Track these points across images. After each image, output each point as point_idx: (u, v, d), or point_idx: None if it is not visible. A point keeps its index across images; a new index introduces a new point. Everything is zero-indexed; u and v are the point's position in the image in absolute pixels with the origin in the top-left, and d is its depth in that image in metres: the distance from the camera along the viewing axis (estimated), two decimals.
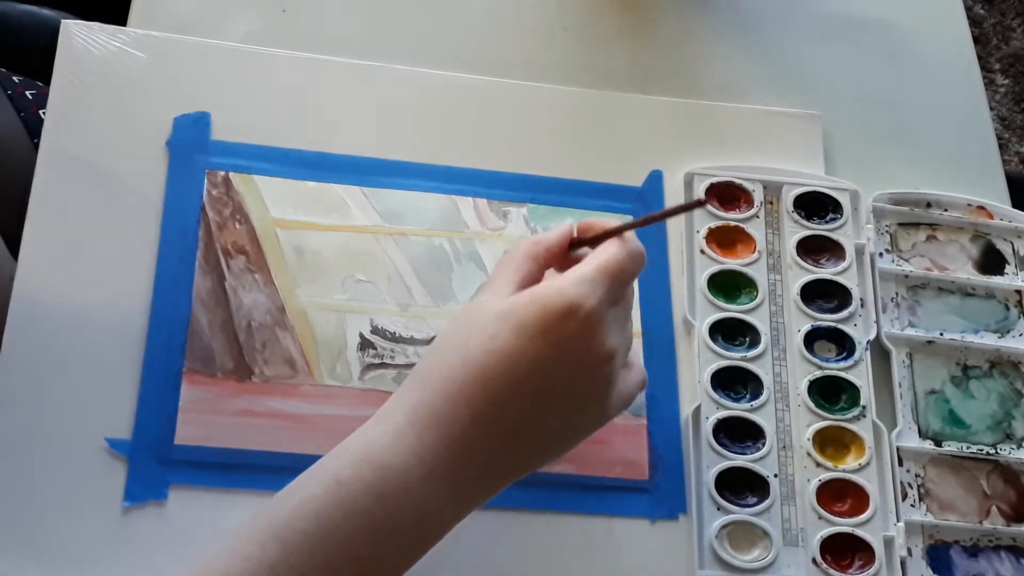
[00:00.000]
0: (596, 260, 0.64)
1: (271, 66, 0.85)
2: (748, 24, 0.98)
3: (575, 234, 0.68)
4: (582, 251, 0.68)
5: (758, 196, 0.87)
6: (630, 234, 0.66)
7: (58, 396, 0.73)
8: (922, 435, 0.82)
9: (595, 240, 0.67)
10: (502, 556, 0.74)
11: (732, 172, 0.87)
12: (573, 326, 0.61)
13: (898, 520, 0.78)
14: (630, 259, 0.65)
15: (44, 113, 0.94)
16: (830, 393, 0.81)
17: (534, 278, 0.66)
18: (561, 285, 0.62)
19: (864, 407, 0.81)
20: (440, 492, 0.61)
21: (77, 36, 0.83)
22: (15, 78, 1.05)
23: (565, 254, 0.68)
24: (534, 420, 0.62)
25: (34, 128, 1.00)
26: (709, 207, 0.85)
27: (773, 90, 0.95)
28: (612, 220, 0.67)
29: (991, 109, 1.69)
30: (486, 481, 0.63)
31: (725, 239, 0.85)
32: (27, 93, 1.03)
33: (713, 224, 0.85)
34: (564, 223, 0.69)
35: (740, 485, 0.78)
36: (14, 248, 0.78)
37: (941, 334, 0.85)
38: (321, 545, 0.58)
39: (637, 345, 0.75)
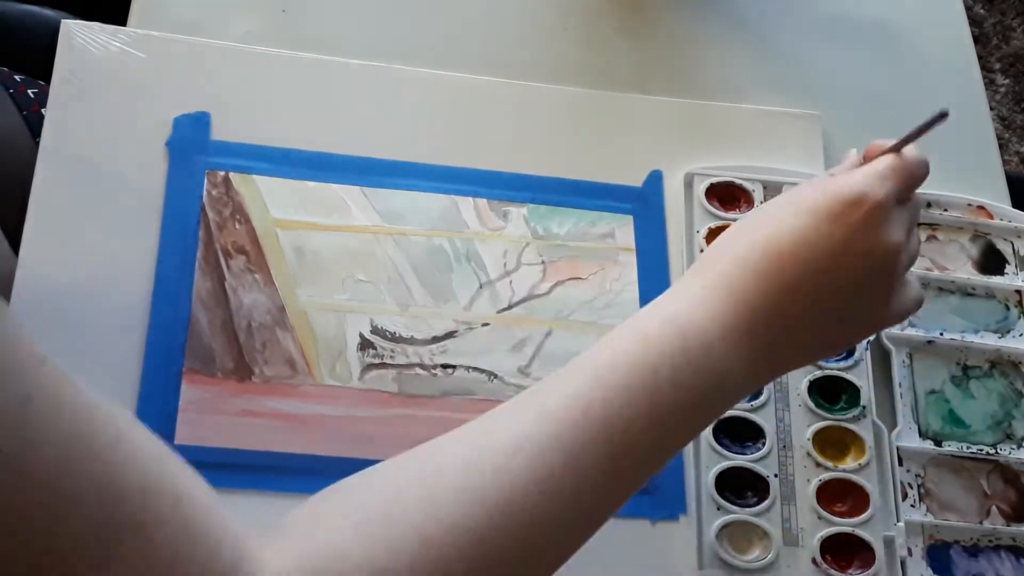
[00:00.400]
0: (889, 158, 0.66)
1: (271, 66, 0.85)
2: (748, 24, 0.98)
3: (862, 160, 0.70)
4: None
5: (758, 196, 0.87)
6: (915, 145, 0.68)
7: None
8: (922, 435, 0.82)
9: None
10: None
11: (732, 172, 0.87)
12: (861, 213, 0.63)
13: (898, 520, 0.78)
14: (917, 163, 0.67)
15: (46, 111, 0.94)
16: (830, 393, 0.82)
17: None
18: (852, 176, 0.64)
19: (864, 407, 0.81)
20: (735, 356, 0.62)
21: (77, 36, 0.82)
22: (17, 77, 1.05)
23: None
24: (821, 298, 0.63)
25: (36, 127, 1.00)
26: (709, 207, 0.85)
27: (773, 90, 0.95)
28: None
29: (991, 109, 1.69)
30: (777, 353, 0.64)
31: None
32: (29, 92, 1.03)
33: (713, 224, 0.85)
34: (850, 152, 0.70)
35: (740, 485, 0.78)
36: (15, 246, 0.78)
37: (941, 334, 0.85)
38: (631, 390, 0.59)
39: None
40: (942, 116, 0.67)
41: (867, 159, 0.68)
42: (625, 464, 0.59)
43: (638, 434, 0.59)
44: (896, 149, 0.67)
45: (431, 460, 0.57)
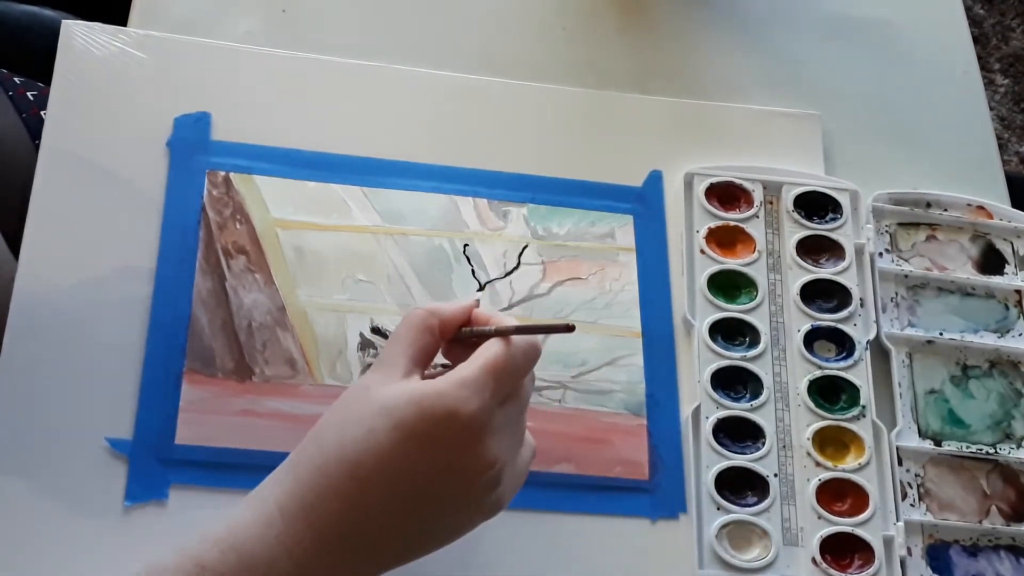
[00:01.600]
0: (480, 360, 0.61)
1: (272, 66, 0.85)
2: (748, 24, 0.98)
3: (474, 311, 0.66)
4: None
5: (758, 196, 0.87)
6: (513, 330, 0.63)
7: (59, 396, 0.73)
8: (922, 435, 0.82)
9: (481, 337, 0.64)
10: (502, 556, 0.74)
11: (732, 172, 0.87)
12: (452, 433, 0.59)
13: (898, 520, 0.78)
14: (519, 356, 0.62)
15: (45, 114, 0.94)
16: (830, 393, 0.82)
17: (430, 351, 0.64)
18: (443, 388, 0.59)
19: (864, 407, 0.81)
20: None
21: (78, 36, 0.83)
22: (16, 79, 1.05)
23: (459, 327, 0.66)
24: (407, 520, 0.61)
25: (35, 129, 1.00)
26: (709, 207, 0.86)
27: (773, 90, 0.95)
28: (506, 319, 0.64)
29: (991, 109, 1.69)
30: (358, 574, 0.62)
31: (725, 239, 0.85)
32: (28, 94, 1.03)
33: (713, 224, 0.85)
34: (468, 299, 0.67)
35: (740, 485, 0.78)
36: (15, 248, 0.78)
37: (941, 334, 0.85)
38: None
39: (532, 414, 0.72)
40: (568, 328, 0.62)
41: (473, 322, 0.65)
42: None
43: None
44: (497, 334, 0.62)
45: None
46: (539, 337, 0.64)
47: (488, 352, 0.61)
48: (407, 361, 0.63)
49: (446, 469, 0.60)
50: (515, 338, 0.62)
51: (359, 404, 0.61)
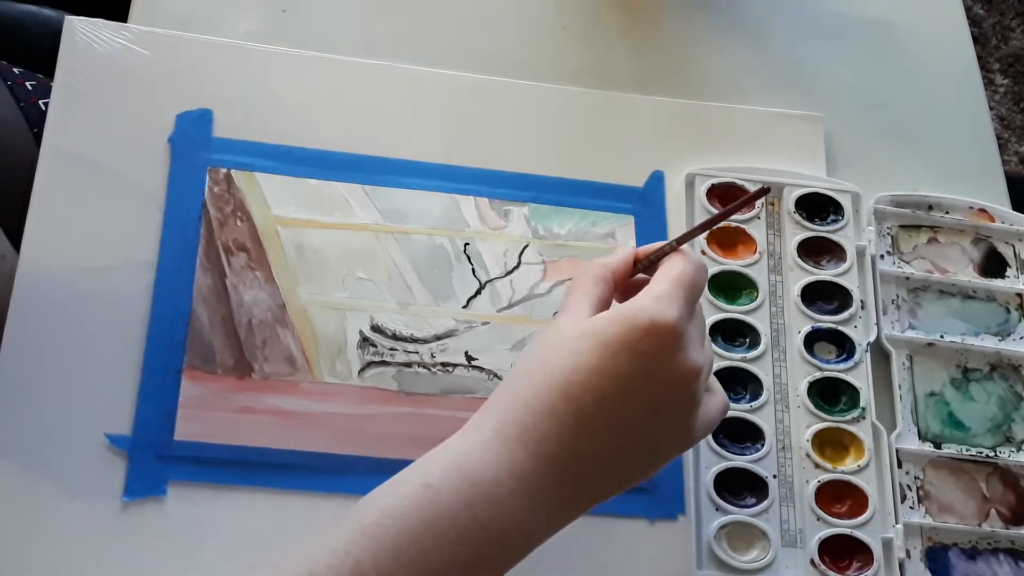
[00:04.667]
0: (669, 275, 0.63)
1: (274, 64, 0.85)
2: (749, 24, 0.98)
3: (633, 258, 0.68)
4: (640, 277, 0.68)
5: None
6: (690, 247, 0.66)
7: (58, 392, 0.73)
8: (921, 437, 0.82)
9: (655, 258, 0.67)
10: None
11: (734, 173, 0.87)
12: (656, 341, 0.61)
13: (897, 522, 0.78)
14: (698, 272, 0.64)
15: (44, 103, 0.94)
16: (830, 394, 0.82)
17: (606, 300, 0.66)
18: (642, 302, 0.61)
19: (864, 409, 0.81)
20: (529, 505, 0.60)
21: (80, 32, 0.82)
22: (15, 69, 1.05)
23: (628, 277, 0.68)
24: (621, 436, 0.62)
25: (33, 118, 1.00)
26: (711, 208, 0.85)
27: (774, 91, 0.95)
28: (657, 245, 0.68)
29: (991, 109, 1.69)
30: (576, 497, 0.63)
31: (726, 240, 0.85)
32: (27, 84, 1.03)
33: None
34: (624, 248, 0.69)
35: (739, 486, 0.78)
36: (15, 241, 0.78)
37: (941, 336, 0.85)
38: (408, 546, 0.57)
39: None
40: (762, 192, 0.66)
41: (637, 259, 0.68)
42: None
43: None
44: (679, 243, 0.66)
45: None
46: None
47: (674, 267, 0.64)
48: (590, 306, 0.64)
49: (654, 378, 0.61)
50: (691, 254, 0.65)
51: (559, 336, 0.63)
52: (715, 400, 0.67)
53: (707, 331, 0.67)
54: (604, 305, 0.65)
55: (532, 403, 0.61)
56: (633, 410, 0.61)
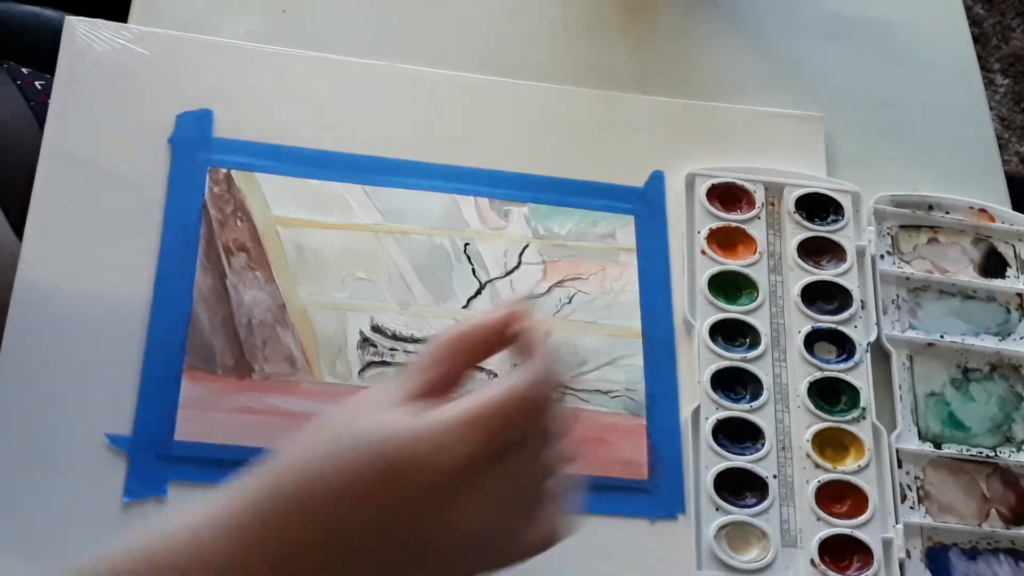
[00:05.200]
0: (473, 400, 0.52)
1: (274, 64, 0.85)
2: (749, 24, 0.98)
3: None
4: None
5: (759, 197, 0.87)
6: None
7: (59, 392, 0.73)
8: (922, 437, 0.82)
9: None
10: None
11: (734, 173, 0.87)
12: (411, 486, 0.50)
13: (897, 522, 0.78)
14: (526, 392, 0.52)
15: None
16: (830, 394, 0.82)
17: (440, 382, 0.55)
18: (422, 430, 0.51)
19: (864, 409, 0.81)
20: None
21: (80, 32, 0.82)
22: (24, 69, 1.05)
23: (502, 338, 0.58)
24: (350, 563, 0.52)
25: (43, 116, 1.00)
26: (711, 208, 0.85)
27: (774, 91, 0.95)
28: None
29: (991, 109, 1.69)
30: None
31: (726, 240, 0.85)
32: (36, 83, 1.03)
33: (714, 225, 0.85)
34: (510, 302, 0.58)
35: (739, 486, 0.78)
36: (22, 234, 0.78)
37: (942, 336, 0.85)
38: None
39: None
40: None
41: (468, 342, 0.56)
42: None
43: None
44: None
45: None
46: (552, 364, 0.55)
47: (486, 391, 0.52)
48: (415, 384, 0.55)
49: (399, 527, 0.51)
50: (520, 374, 0.53)
51: (343, 421, 0.54)
52: (540, 527, 0.56)
53: (542, 462, 0.55)
54: (439, 386, 0.55)
55: (273, 484, 0.53)
56: (369, 547, 0.51)
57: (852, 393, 0.81)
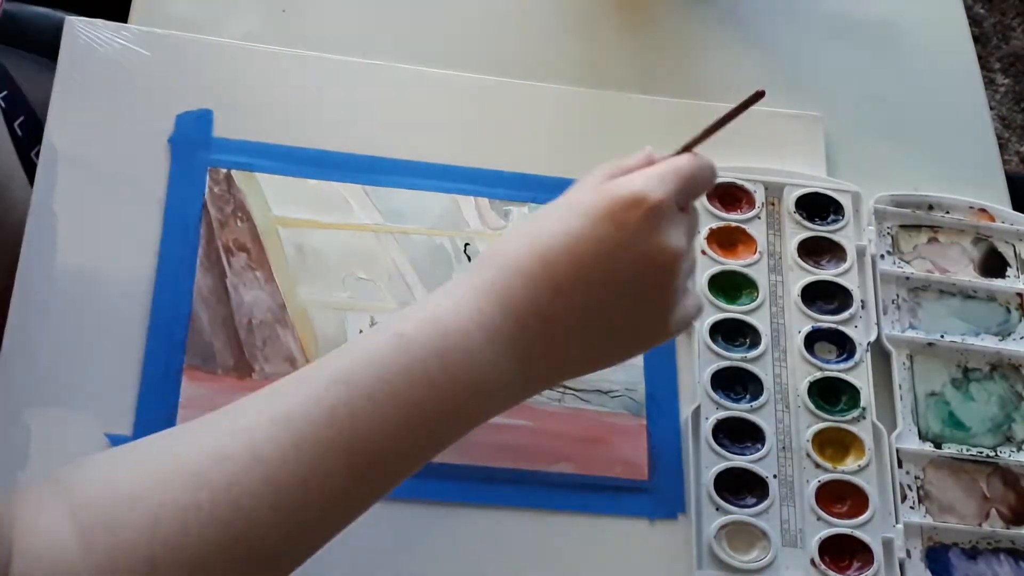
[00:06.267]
0: (669, 162, 0.64)
1: (274, 64, 0.85)
2: (748, 24, 0.98)
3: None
4: None
5: (759, 197, 0.87)
6: (701, 148, 0.67)
7: (59, 392, 0.73)
8: (922, 437, 0.82)
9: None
10: (502, 556, 0.74)
11: (734, 173, 0.87)
12: (638, 215, 0.61)
13: (897, 522, 0.78)
14: (701, 168, 0.65)
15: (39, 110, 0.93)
16: (830, 394, 0.82)
17: None
18: (631, 178, 0.62)
19: (864, 409, 0.81)
20: (498, 360, 0.60)
21: (80, 33, 0.82)
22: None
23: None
24: (595, 303, 0.62)
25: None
26: (711, 208, 0.85)
27: (774, 90, 0.94)
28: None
29: (991, 109, 1.69)
30: (548, 360, 0.62)
31: (726, 240, 0.85)
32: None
33: (714, 225, 0.85)
34: (643, 150, 0.67)
35: (739, 486, 0.78)
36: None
37: (942, 336, 0.85)
38: (380, 392, 0.57)
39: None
40: (757, 96, 0.66)
41: (652, 161, 0.66)
42: (368, 474, 0.57)
43: (383, 442, 0.57)
44: (689, 148, 0.66)
45: (171, 460, 0.56)
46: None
47: (677, 159, 0.65)
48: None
49: (632, 252, 0.61)
50: (702, 155, 0.66)
51: (546, 208, 0.64)
52: (690, 300, 0.67)
53: (698, 230, 0.68)
54: None
55: (510, 265, 0.61)
56: (607, 281, 0.61)
57: (852, 393, 0.81)
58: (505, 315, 0.60)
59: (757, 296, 0.83)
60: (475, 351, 0.59)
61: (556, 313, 0.61)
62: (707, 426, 0.79)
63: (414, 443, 0.59)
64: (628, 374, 0.80)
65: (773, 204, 0.87)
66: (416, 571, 0.72)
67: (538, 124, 0.88)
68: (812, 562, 0.76)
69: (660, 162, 0.65)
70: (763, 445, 0.79)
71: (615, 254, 0.61)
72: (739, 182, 0.87)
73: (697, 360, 0.81)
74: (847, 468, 0.79)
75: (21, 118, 0.92)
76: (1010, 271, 0.88)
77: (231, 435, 0.56)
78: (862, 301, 0.84)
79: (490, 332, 0.60)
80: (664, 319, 0.64)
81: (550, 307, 0.61)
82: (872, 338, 0.83)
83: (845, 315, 0.84)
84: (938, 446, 0.81)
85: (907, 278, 0.86)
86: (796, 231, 0.86)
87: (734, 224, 0.86)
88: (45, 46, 0.92)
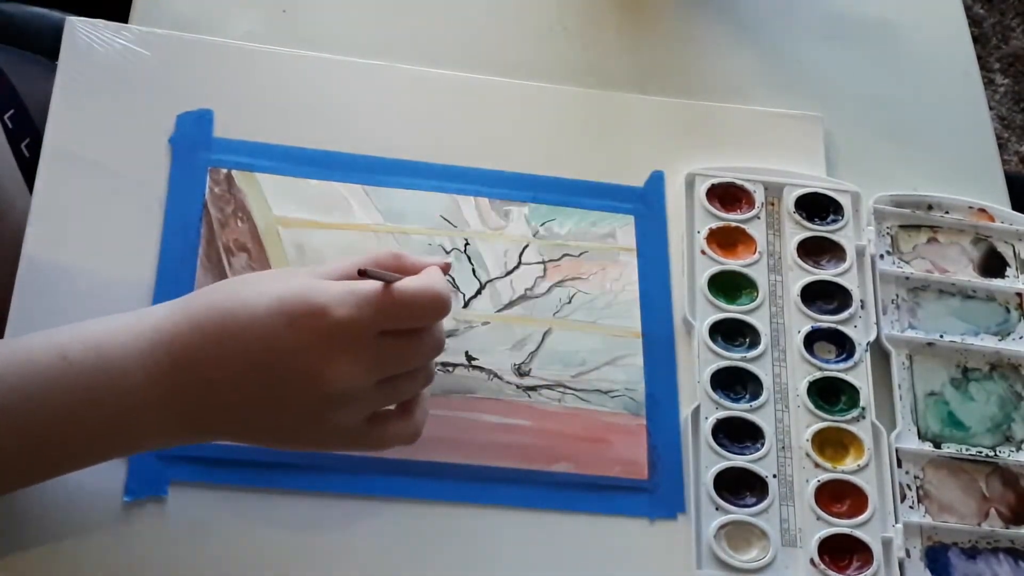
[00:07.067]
0: (375, 286, 0.63)
1: (274, 64, 0.85)
2: (748, 24, 0.98)
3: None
4: None
5: (759, 197, 0.87)
6: (437, 277, 0.64)
7: None
8: (921, 437, 0.82)
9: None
10: (502, 555, 0.74)
11: (733, 173, 0.87)
12: (316, 327, 0.61)
13: (896, 521, 0.78)
14: (418, 298, 0.63)
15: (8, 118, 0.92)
16: (829, 394, 0.82)
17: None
18: (332, 287, 0.62)
19: (863, 408, 0.81)
20: (152, 403, 0.62)
21: (81, 33, 0.83)
22: None
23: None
24: (250, 390, 0.62)
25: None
26: (710, 208, 0.86)
27: (774, 90, 0.95)
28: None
29: (991, 109, 1.69)
30: (203, 420, 0.64)
31: (726, 240, 0.85)
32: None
33: (714, 225, 0.85)
34: (390, 251, 0.68)
35: (739, 485, 0.78)
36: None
37: (941, 336, 0.85)
38: (14, 408, 0.60)
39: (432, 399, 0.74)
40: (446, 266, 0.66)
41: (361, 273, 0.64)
42: None
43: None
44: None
45: None
46: (448, 293, 0.64)
47: (407, 282, 0.63)
48: (325, 270, 0.65)
49: (298, 360, 0.61)
50: (419, 284, 0.63)
51: (253, 279, 0.65)
52: (396, 425, 0.67)
53: (415, 362, 0.65)
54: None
55: (196, 313, 0.62)
56: (269, 375, 0.62)
57: (852, 393, 0.81)
58: (171, 363, 0.62)
59: (757, 296, 0.84)
60: (130, 392, 0.62)
61: (217, 378, 0.62)
62: (707, 426, 0.79)
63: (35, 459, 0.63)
64: (628, 374, 0.80)
65: (773, 204, 0.87)
66: (416, 571, 0.72)
67: (538, 124, 0.88)
68: (811, 562, 0.76)
69: (373, 279, 0.63)
70: (763, 445, 0.79)
71: (279, 348, 0.61)
72: (739, 182, 0.87)
73: (697, 360, 0.81)
74: (846, 468, 0.79)
75: (11, 111, 0.91)
76: (1009, 271, 0.88)
77: None
78: (861, 301, 0.84)
79: (152, 375, 0.62)
80: (317, 429, 0.65)
81: (213, 369, 0.62)
82: (871, 338, 0.83)
83: (844, 315, 0.84)
84: (937, 446, 0.82)
85: (907, 278, 0.86)
86: (796, 231, 0.86)
87: (734, 224, 0.86)
88: (44, 46, 0.92)
